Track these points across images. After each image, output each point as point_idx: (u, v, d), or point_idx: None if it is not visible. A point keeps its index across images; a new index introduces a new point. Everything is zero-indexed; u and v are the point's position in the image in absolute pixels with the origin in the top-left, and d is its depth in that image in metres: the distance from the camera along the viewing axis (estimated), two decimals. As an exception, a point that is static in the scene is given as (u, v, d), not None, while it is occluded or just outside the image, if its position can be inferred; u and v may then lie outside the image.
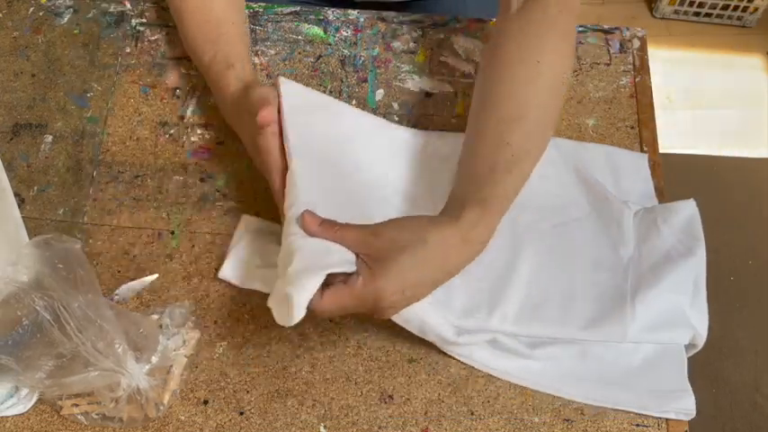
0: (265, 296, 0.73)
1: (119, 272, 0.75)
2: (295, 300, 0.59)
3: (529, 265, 0.73)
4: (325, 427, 0.68)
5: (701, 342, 0.71)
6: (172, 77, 0.87)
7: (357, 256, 0.63)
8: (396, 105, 0.85)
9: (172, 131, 0.83)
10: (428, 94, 0.85)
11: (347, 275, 0.62)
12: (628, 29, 0.90)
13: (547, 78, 0.71)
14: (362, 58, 0.88)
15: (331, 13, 0.91)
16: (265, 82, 0.86)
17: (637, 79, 0.87)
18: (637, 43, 0.89)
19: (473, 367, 0.70)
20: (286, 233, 0.65)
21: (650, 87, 0.86)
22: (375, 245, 0.62)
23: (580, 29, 0.90)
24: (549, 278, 0.72)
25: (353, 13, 0.91)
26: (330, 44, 0.89)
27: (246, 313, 0.73)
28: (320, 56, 0.88)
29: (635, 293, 0.71)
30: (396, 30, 0.90)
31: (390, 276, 0.61)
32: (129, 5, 0.91)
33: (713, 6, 1.94)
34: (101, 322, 0.63)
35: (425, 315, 0.67)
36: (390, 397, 0.69)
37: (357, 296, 0.61)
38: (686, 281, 0.72)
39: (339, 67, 0.87)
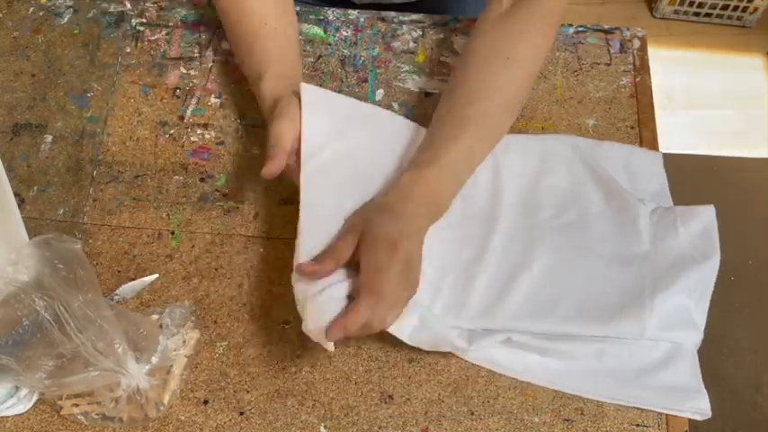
0: (265, 296, 0.74)
1: (119, 272, 0.75)
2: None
3: (545, 262, 0.73)
4: (325, 427, 0.68)
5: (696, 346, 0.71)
6: (172, 77, 0.87)
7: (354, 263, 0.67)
8: (396, 105, 0.85)
9: (172, 131, 0.83)
10: (428, 94, 0.85)
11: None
12: (628, 29, 0.90)
13: (515, 72, 0.75)
14: (362, 58, 0.88)
15: (331, 13, 0.91)
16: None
17: (637, 79, 0.87)
18: (637, 43, 0.89)
19: (473, 367, 0.70)
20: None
21: (650, 87, 0.86)
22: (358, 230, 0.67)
23: (580, 29, 0.90)
24: (565, 274, 0.73)
25: (353, 13, 0.91)
26: (330, 44, 0.89)
27: (246, 313, 0.73)
28: (320, 56, 0.88)
29: (653, 290, 0.71)
30: (396, 30, 0.90)
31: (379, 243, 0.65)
32: (129, 5, 0.91)
33: (713, 6, 1.94)
34: (101, 322, 0.63)
35: (437, 330, 0.68)
36: (390, 397, 0.69)
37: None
38: (697, 285, 0.72)
39: (339, 67, 0.87)
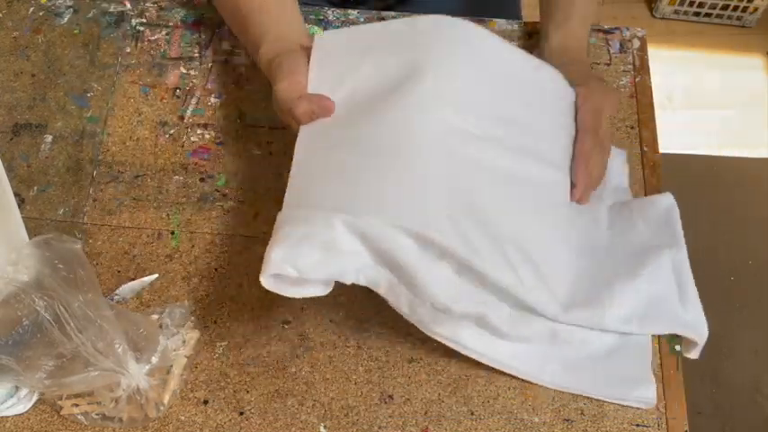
0: (265, 296, 0.73)
1: (119, 272, 0.75)
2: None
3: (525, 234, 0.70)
4: (325, 427, 0.68)
5: (701, 340, 0.70)
6: (172, 77, 0.87)
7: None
8: (396, 105, 0.84)
9: (172, 131, 0.83)
10: (428, 94, 0.85)
11: None
12: (628, 29, 0.90)
13: None
14: (362, 58, 0.88)
15: (331, 13, 0.91)
16: (265, 82, 0.85)
17: (637, 79, 0.87)
18: (637, 43, 0.89)
19: (473, 367, 0.70)
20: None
21: (650, 87, 0.86)
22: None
23: (580, 29, 0.89)
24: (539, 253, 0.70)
25: (353, 13, 0.91)
26: (330, 44, 0.89)
27: (246, 313, 0.73)
28: (320, 56, 0.88)
29: (611, 284, 0.70)
30: (396, 30, 0.89)
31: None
32: (129, 5, 0.91)
33: (713, 6, 1.94)
34: (101, 322, 0.63)
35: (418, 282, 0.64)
36: (390, 397, 0.69)
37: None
38: (665, 274, 0.71)
39: (339, 67, 0.87)
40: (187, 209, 0.79)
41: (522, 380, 0.70)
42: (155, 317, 0.71)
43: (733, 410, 1.35)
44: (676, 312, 0.70)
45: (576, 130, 0.75)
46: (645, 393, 0.68)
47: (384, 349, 0.71)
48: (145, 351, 0.66)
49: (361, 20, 0.90)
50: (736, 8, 1.93)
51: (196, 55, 0.88)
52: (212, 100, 0.85)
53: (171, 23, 0.90)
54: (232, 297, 0.74)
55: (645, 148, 0.82)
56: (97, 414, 0.67)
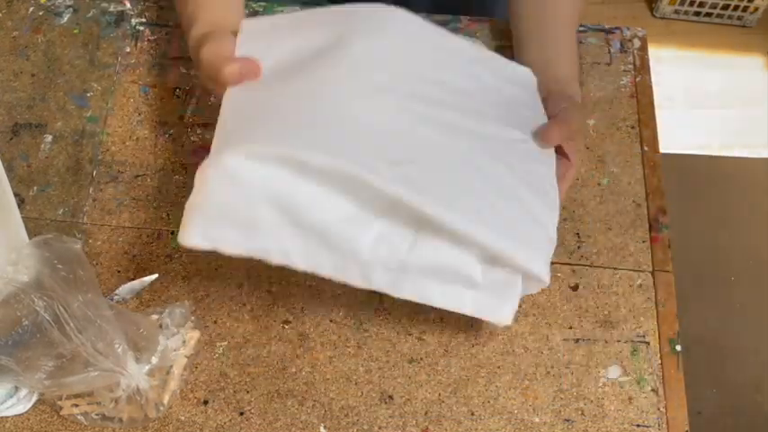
0: (265, 296, 0.74)
1: (119, 272, 0.75)
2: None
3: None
4: (325, 427, 0.68)
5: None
6: (172, 77, 0.87)
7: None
8: (396, 105, 0.84)
9: (172, 131, 0.83)
10: (428, 94, 0.85)
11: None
12: (628, 29, 0.90)
13: None
14: (362, 58, 0.88)
15: (331, 13, 0.91)
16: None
17: (637, 79, 0.87)
18: (637, 43, 0.89)
19: (473, 367, 0.70)
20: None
21: (650, 87, 0.86)
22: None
23: (581, 28, 0.89)
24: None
25: (353, 13, 0.91)
26: (330, 44, 0.89)
27: (246, 313, 0.73)
28: (320, 56, 0.88)
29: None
30: (396, 29, 0.89)
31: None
32: (129, 5, 0.91)
33: (713, 6, 1.94)
34: (101, 322, 0.63)
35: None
36: (390, 397, 0.69)
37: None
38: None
39: (339, 67, 0.87)
40: (187, 209, 0.79)
41: (523, 380, 0.70)
42: (155, 317, 0.71)
43: (733, 410, 1.35)
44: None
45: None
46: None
47: (384, 349, 0.71)
48: (145, 351, 0.66)
49: (362, 20, 0.90)
50: (736, 8, 1.93)
51: (196, 55, 0.88)
52: (212, 100, 0.85)
53: (171, 23, 0.90)
54: (232, 297, 0.74)
55: (645, 148, 0.82)
56: (97, 414, 0.67)
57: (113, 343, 0.63)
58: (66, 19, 0.91)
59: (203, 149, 0.82)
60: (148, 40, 0.89)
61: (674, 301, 0.74)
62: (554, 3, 0.81)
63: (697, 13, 1.97)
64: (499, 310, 0.66)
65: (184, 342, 0.70)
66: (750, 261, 1.55)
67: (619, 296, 0.74)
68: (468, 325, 0.72)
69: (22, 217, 0.76)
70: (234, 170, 0.62)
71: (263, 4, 0.91)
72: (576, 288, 0.74)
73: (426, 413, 0.69)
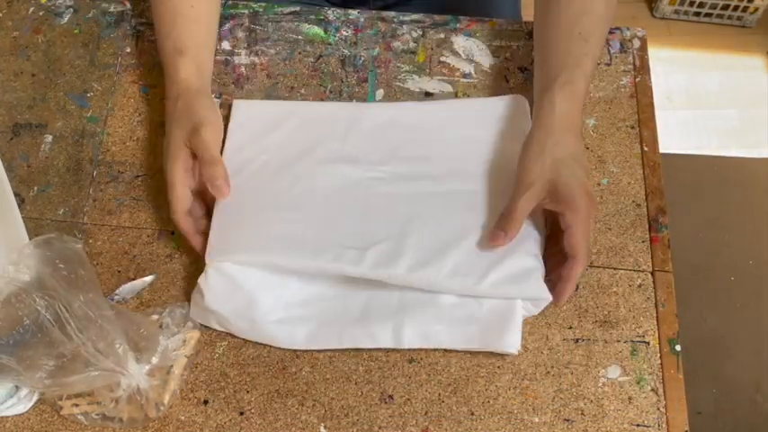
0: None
1: (119, 272, 0.75)
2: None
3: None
4: (325, 427, 0.68)
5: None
6: (172, 77, 0.86)
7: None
8: (396, 105, 0.84)
9: (172, 131, 0.83)
10: (428, 94, 0.85)
11: None
12: (628, 29, 0.90)
13: None
14: (362, 58, 0.88)
15: (331, 13, 0.91)
16: (264, 82, 0.86)
17: (637, 79, 0.87)
18: (637, 43, 0.89)
19: (473, 367, 0.70)
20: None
21: (650, 87, 0.86)
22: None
23: (580, 29, 0.89)
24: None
25: (353, 13, 0.91)
26: (330, 44, 0.89)
27: (247, 313, 0.73)
28: (320, 56, 0.88)
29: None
30: (396, 30, 0.90)
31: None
32: (129, 5, 0.91)
33: (713, 6, 1.94)
34: (101, 322, 0.63)
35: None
36: (390, 397, 0.69)
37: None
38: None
39: (339, 67, 0.87)
40: (187, 209, 0.79)
41: (523, 380, 0.70)
42: (155, 317, 0.71)
43: (733, 410, 1.35)
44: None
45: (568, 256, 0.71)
46: (510, 340, 0.69)
47: (384, 349, 0.71)
48: (145, 351, 0.66)
49: (362, 20, 0.90)
50: (736, 8, 1.93)
51: (196, 55, 0.88)
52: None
53: (171, 23, 0.90)
54: (232, 297, 0.74)
55: (645, 148, 0.82)
56: (97, 414, 0.67)
57: (114, 343, 0.63)
58: (66, 19, 0.91)
59: (203, 149, 0.82)
60: (148, 40, 0.89)
61: (674, 301, 0.74)
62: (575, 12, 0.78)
63: (697, 14, 1.97)
64: (505, 339, 0.69)
65: (184, 342, 0.70)
66: (750, 261, 1.55)
67: (618, 296, 0.74)
68: (468, 325, 0.72)
69: (23, 217, 0.76)
70: (229, 274, 0.71)
71: (263, 4, 0.91)
72: (575, 288, 0.74)
73: (426, 413, 0.69)
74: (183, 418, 0.69)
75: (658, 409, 0.69)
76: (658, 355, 0.71)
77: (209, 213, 0.76)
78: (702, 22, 1.99)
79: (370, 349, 0.71)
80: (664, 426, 0.68)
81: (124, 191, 0.80)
